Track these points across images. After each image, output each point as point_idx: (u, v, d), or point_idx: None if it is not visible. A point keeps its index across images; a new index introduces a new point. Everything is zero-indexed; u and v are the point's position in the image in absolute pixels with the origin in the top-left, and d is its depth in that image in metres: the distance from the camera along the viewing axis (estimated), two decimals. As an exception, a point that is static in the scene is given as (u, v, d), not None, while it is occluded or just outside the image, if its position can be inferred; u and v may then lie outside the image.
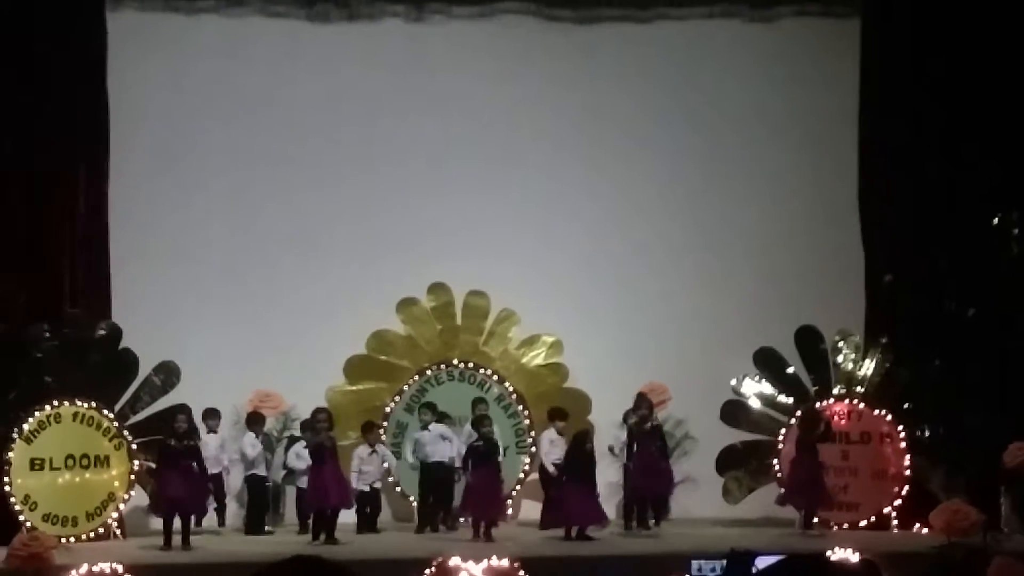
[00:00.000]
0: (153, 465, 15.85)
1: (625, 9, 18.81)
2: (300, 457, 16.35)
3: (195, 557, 14.75)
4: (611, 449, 16.90)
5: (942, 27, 17.60)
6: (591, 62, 18.78)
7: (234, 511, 16.96)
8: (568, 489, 16.07)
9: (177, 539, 15.24)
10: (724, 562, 11.81)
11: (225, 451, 16.76)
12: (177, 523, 15.34)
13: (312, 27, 18.49)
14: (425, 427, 16.93)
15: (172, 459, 15.47)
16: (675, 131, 18.70)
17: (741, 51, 18.79)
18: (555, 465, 16.49)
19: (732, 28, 18.81)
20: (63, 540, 15.09)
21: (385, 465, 16.93)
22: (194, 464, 15.51)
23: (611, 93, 18.71)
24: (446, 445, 16.77)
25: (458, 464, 16.58)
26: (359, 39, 18.49)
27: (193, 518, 15.83)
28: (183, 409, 15.78)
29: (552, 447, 16.92)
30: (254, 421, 16.91)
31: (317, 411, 16.15)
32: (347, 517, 16.47)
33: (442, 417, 17.02)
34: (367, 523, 16.75)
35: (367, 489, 16.75)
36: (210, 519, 16.59)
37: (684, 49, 18.82)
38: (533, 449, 17.48)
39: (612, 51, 18.80)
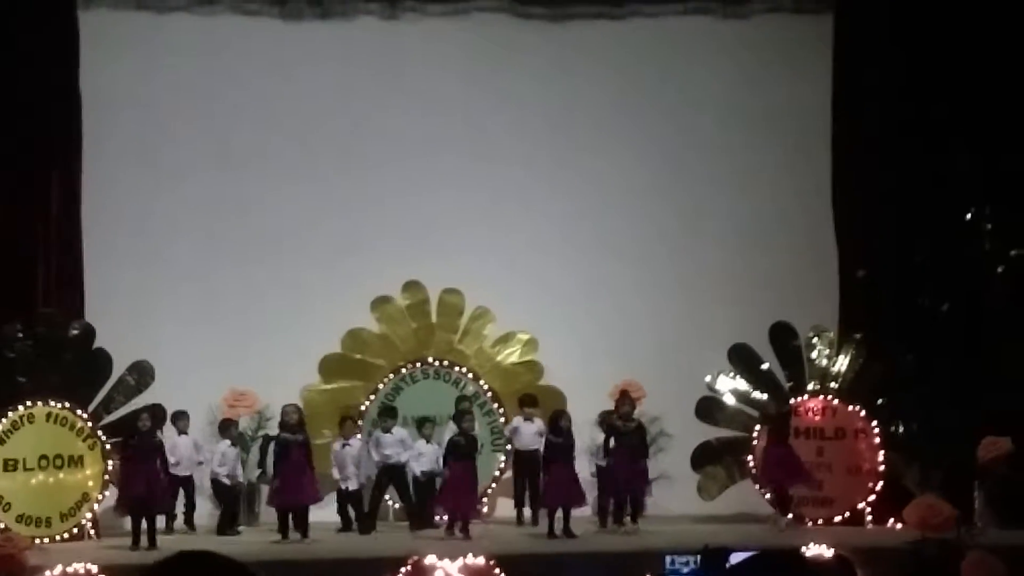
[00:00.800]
0: (116, 463, 15.81)
1: (599, 6, 18.81)
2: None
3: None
4: (598, 467, 16.92)
5: (915, 22, 17.66)
6: (565, 59, 18.78)
7: (209, 510, 16.91)
8: (548, 472, 16.14)
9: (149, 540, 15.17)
10: (698, 557, 11.82)
11: (199, 452, 16.71)
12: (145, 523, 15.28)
13: (285, 25, 18.44)
14: (387, 431, 16.90)
15: (135, 457, 15.44)
16: (649, 128, 18.71)
17: (714, 47, 18.82)
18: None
19: (705, 24, 18.84)
20: (37, 541, 15.06)
21: (369, 456, 16.87)
22: (157, 463, 15.50)
23: (585, 90, 18.72)
24: (404, 449, 16.75)
25: (435, 467, 16.63)
26: (332, 37, 18.46)
27: (163, 517, 15.84)
28: (146, 408, 15.79)
29: (517, 434, 17.01)
30: (226, 428, 16.88)
31: (285, 407, 16.16)
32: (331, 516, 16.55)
33: (423, 421, 16.97)
34: (348, 524, 16.73)
35: (347, 488, 16.73)
36: (180, 520, 16.58)
37: (658, 46, 18.83)
38: (508, 447, 17.49)
39: (586, 48, 18.80)
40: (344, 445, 16.80)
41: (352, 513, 16.77)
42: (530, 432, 16.89)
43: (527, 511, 17.10)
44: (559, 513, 15.89)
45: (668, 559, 14.07)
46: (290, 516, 15.73)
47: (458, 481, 15.89)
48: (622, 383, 17.59)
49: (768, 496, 16.71)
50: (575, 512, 16.13)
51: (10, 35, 17.01)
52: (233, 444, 16.85)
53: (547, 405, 17.17)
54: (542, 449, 16.58)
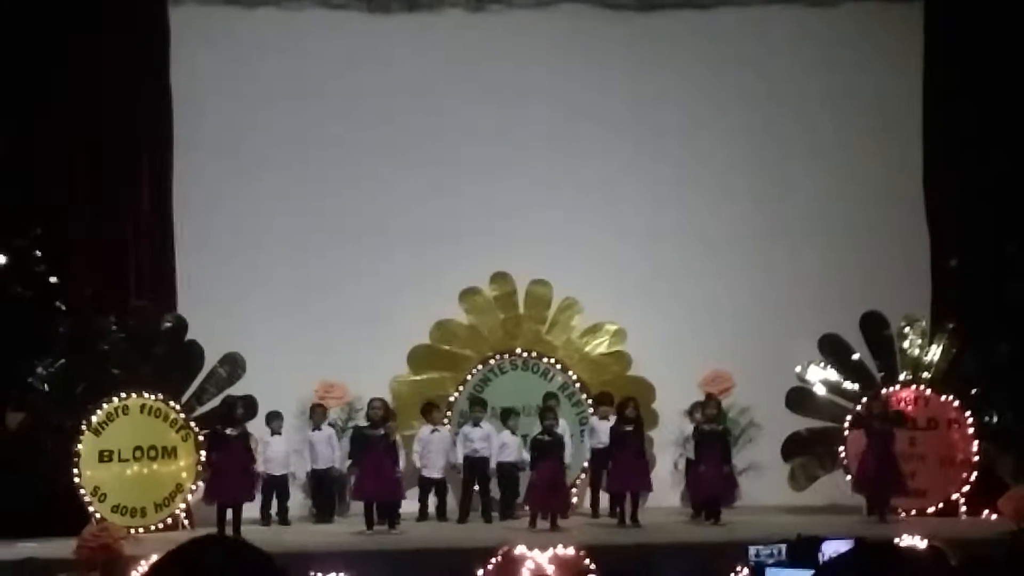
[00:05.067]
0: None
1: (686, -4, 18.75)
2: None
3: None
4: (688, 461, 16.90)
5: (1006, 9, 17.43)
6: (652, 50, 18.71)
7: (299, 502, 17.04)
8: (614, 458, 16.14)
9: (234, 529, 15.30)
10: (783, 546, 11.73)
11: (291, 452, 16.80)
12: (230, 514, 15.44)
13: (372, 18, 18.51)
14: (477, 424, 16.93)
15: (226, 446, 15.59)
16: (737, 118, 18.60)
17: (803, 36, 18.65)
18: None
19: (794, 13, 18.68)
20: (132, 531, 15.28)
21: (456, 459, 16.90)
22: (244, 453, 15.67)
23: (672, 81, 18.64)
24: (490, 444, 16.79)
25: (518, 458, 16.65)
26: (419, 30, 18.50)
27: (257, 512, 16.05)
28: (240, 397, 15.97)
29: (593, 433, 17.07)
30: (314, 414, 16.98)
31: (372, 400, 16.26)
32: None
33: (508, 413, 16.97)
34: (435, 512, 16.85)
35: (434, 476, 16.80)
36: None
37: (746, 35, 18.70)
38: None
39: (673, 38, 18.72)
40: (433, 431, 16.88)
41: (434, 502, 16.85)
42: (605, 429, 16.78)
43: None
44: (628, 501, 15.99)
45: (752, 550, 13.95)
46: (375, 508, 15.79)
47: (545, 480, 15.89)
48: (711, 374, 17.54)
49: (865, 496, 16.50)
50: (661, 503, 16.11)
51: (102, 30, 17.21)
52: (317, 428, 16.90)
53: (635, 396, 17.10)
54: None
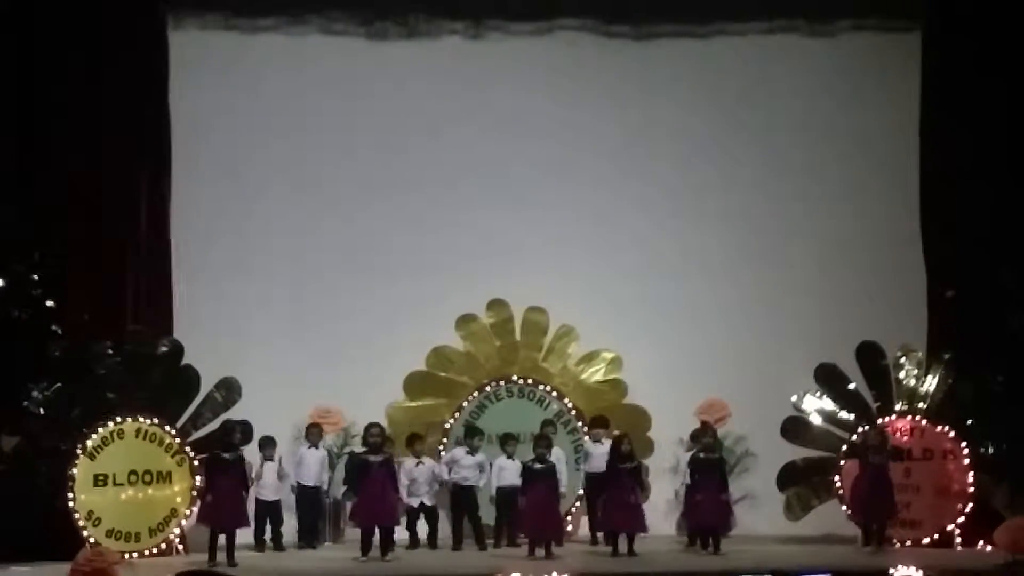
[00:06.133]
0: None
1: (683, 25, 18.77)
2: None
3: (253, 573, 14.77)
4: (676, 494, 16.86)
5: (1004, 41, 17.52)
6: (649, 78, 18.76)
7: (291, 527, 16.98)
8: (608, 495, 16.05)
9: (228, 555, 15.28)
10: (773, 576, 11.78)
11: (284, 479, 16.77)
12: (223, 539, 15.36)
13: (371, 45, 18.58)
14: (474, 451, 16.91)
15: (223, 471, 15.54)
16: (734, 147, 18.65)
17: (800, 66, 18.72)
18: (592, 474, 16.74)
19: (791, 43, 18.75)
20: (126, 556, 15.24)
21: (443, 477, 16.89)
22: (238, 478, 15.60)
23: (669, 109, 18.69)
24: (480, 473, 16.76)
25: (517, 483, 16.62)
26: (418, 56, 18.56)
27: (251, 538, 16.00)
28: (238, 422, 15.92)
29: (587, 457, 17.02)
30: (309, 433, 16.95)
31: (369, 426, 16.18)
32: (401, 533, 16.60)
33: (507, 438, 16.92)
34: (419, 540, 16.83)
35: (417, 504, 16.78)
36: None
37: (743, 64, 18.76)
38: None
39: (670, 67, 18.77)
40: (418, 463, 16.86)
41: (426, 529, 16.82)
42: (600, 454, 16.70)
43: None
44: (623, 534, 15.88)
45: (744, 581, 13.97)
46: (376, 533, 15.74)
47: (536, 506, 15.83)
48: (706, 403, 17.53)
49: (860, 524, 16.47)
50: (656, 532, 16.06)
51: (102, 56, 17.27)
52: (313, 447, 16.85)
53: (632, 424, 17.14)
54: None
